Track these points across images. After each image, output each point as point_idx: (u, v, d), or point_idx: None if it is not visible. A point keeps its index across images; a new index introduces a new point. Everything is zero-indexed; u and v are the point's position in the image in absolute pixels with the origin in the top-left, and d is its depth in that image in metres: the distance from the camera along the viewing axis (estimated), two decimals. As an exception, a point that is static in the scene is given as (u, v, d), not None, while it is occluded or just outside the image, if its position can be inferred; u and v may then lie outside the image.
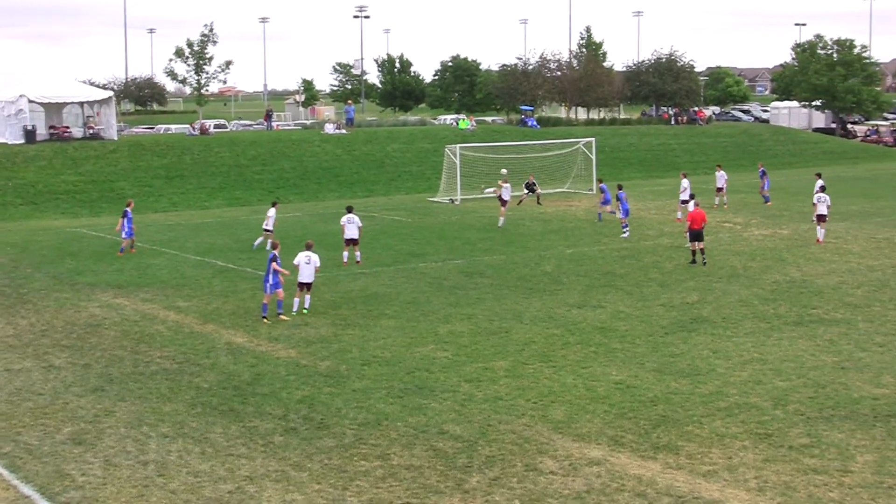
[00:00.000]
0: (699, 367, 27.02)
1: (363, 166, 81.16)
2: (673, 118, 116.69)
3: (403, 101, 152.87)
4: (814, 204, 50.52)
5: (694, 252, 42.62)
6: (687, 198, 54.79)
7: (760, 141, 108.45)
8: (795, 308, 34.25)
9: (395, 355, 28.57)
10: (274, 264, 32.89)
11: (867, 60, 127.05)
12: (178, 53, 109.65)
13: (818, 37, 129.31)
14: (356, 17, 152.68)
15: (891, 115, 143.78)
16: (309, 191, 73.99)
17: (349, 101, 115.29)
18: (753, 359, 27.90)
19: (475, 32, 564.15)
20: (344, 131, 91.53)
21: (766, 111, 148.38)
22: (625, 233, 51.08)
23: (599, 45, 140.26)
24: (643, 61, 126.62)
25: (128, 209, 46.95)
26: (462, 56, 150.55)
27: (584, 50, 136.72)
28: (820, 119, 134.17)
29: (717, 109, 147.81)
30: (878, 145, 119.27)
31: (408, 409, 23.73)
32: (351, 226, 42.66)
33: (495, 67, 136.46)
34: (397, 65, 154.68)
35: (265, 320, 32.73)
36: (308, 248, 33.97)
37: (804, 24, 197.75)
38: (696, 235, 42.41)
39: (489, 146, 77.16)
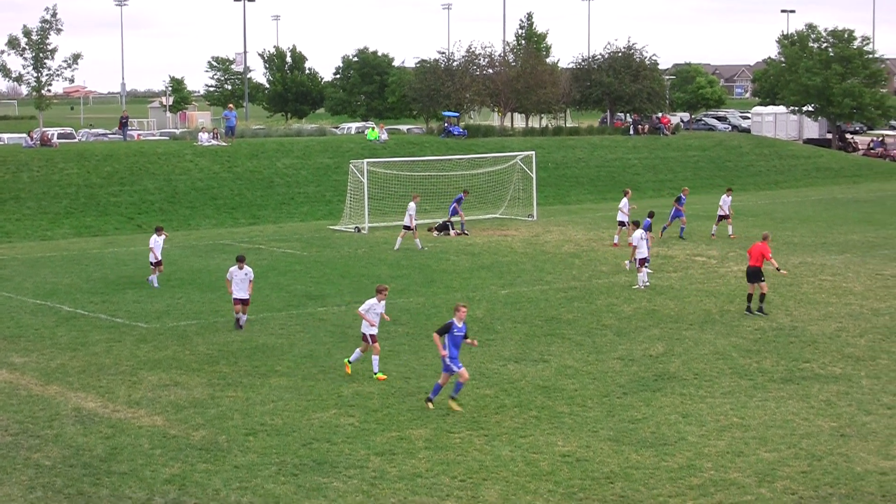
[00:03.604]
0: (666, 436, 27.22)
1: (247, 186, 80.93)
2: (631, 127, 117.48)
3: (297, 106, 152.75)
4: None
5: (750, 296, 42.32)
6: (625, 219, 58.45)
7: (740, 154, 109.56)
8: (784, 361, 34.61)
9: (287, 422, 28.49)
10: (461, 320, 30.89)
11: (870, 56, 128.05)
12: (12, 44, 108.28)
13: (810, 27, 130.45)
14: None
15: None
16: (179, 217, 73.59)
17: (229, 106, 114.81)
18: (732, 424, 28.14)
19: (386, 20, 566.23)
20: (223, 143, 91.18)
21: (746, 118, 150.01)
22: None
23: (542, 36, 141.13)
24: (595, 56, 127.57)
25: None
26: (370, 49, 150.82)
27: (523, 42, 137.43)
28: (812, 128, 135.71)
29: (686, 116, 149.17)
30: (883, 160, 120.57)
31: (304, 489, 23.67)
32: (241, 281, 39.56)
33: (411, 64, 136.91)
34: (289, 60, 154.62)
35: (429, 404, 30.40)
36: (379, 292, 33.77)
37: (792, 11, 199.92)
38: (754, 274, 42.07)
39: (404, 161, 77.30)
